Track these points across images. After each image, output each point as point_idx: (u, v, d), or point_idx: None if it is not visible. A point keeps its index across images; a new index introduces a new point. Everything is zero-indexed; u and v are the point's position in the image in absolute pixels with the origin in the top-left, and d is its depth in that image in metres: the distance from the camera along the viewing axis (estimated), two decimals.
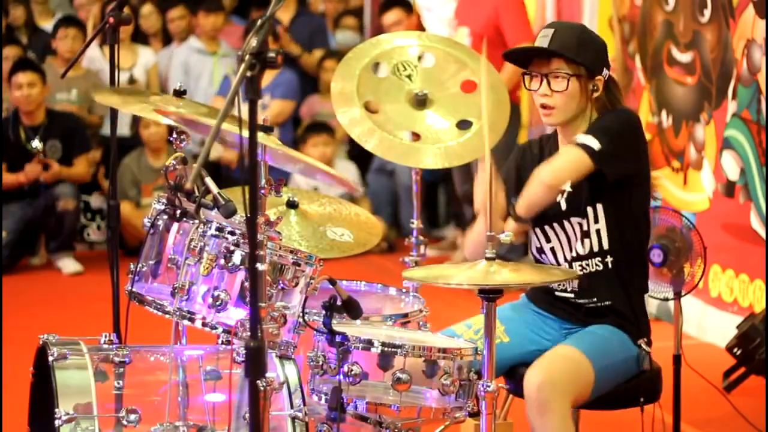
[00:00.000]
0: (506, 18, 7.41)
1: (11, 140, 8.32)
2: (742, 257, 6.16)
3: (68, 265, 8.28)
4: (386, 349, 3.39)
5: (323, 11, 10.57)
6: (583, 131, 3.80)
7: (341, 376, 3.38)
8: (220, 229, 3.50)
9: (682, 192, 6.69)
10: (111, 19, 4.12)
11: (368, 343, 3.40)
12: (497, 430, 3.38)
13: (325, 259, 3.67)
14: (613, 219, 3.80)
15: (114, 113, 4.22)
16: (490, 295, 3.32)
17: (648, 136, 6.93)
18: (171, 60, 9.56)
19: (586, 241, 3.81)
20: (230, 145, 3.71)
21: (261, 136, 3.38)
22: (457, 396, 3.42)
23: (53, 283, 8.05)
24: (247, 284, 3.42)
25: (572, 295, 3.84)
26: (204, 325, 3.51)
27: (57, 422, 3.49)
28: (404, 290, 4.31)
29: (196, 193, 3.41)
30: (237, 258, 3.49)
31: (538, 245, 3.90)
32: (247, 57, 2.77)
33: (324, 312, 3.43)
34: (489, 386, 3.33)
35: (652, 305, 6.33)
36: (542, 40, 3.78)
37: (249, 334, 2.85)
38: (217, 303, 3.47)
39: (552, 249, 3.88)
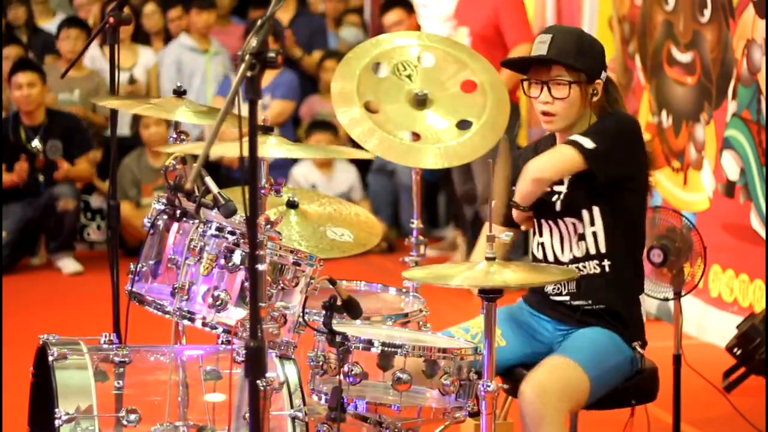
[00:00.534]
0: (506, 18, 7.42)
1: (11, 140, 8.32)
2: (742, 257, 6.16)
3: (68, 265, 8.28)
4: (386, 349, 3.39)
5: (323, 11, 10.57)
6: (581, 129, 3.81)
7: (341, 376, 3.38)
8: (220, 229, 3.50)
9: (682, 192, 6.70)
10: (111, 19, 4.12)
11: (368, 343, 3.40)
12: (497, 430, 3.39)
13: (325, 259, 3.67)
14: (609, 222, 3.80)
15: (114, 113, 4.22)
16: (491, 295, 3.32)
17: (648, 136, 6.94)
18: (163, 59, 9.55)
19: (582, 243, 3.81)
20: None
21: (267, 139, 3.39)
22: (457, 396, 3.42)
23: (53, 283, 8.05)
24: (247, 284, 3.42)
25: (568, 298, 3.85)
26: (204, 325, 3.51)
27: (57, 422, 3.49)
28: (404, 290, 4.31)
29: (196, 193, 3.41)
30: (237, 258, 3.49)
31: (540, 240, 3.90)
32: (247, 57, 2.77)
33: (324, 312, 3.43)
34: (489, 386, 3.33)
35: (652, 305, 6.34)
36: (540, 47, 3.77)
37: (249, 334, 2.85)
38: (217, 303, 3.47)
39: (542, 244, 3.88)
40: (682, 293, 4.49)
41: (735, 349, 5.49)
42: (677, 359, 4.47)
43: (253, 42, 2.78)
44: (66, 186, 8.35)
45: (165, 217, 3.60)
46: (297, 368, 3.63)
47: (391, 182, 9.18)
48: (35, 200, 8.34)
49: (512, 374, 3.87)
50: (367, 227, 4.23)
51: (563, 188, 3.82)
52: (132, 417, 3.59)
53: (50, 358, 3.59)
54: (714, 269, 6.30)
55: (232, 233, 3.49)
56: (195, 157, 3.14)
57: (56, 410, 3.50)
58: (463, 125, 4.36)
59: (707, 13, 6.38)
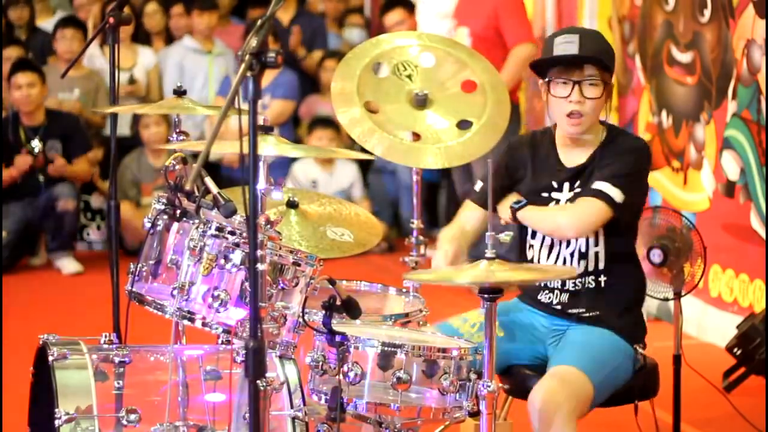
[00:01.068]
0: (506, 18, 7.41)
1: (11, 141, 8.32)
2: (742, 257, 6.16)
3: (68, 265, 8.28)
4: (386, 349, 3.39)
5: (323, 11, 10.57)
6: (594, 137, 3.79)
7: (341, 376, 3.38)
8: (220, 229, 3.50)
9: (682, 192, 6.69)
10: (111, 19, 4.12)
11: (368, 343, 3.40)
12: (497, 430, 3.38)
13: (325, 259, 3.67)
14: (612, 241, 3.80)
15: (114, 113, 4.22)
16: (491, 294, 3.32)
17: (648, 136, 6.95)
18: (166, 60, 9.55)
19: (583, 262, 3.82)
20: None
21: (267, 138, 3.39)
22: (457, 396, 3.42)
23: (53, 283, 8.05)
24: (247, 284, 3.42)
25: (560, 307, 3.86)
26: (204, 325, 3.51)
27: (57, 422, 3.49)
28: (404, 290, 4.31)
29: (196, 193, 3.41)
30: (237, 258, 3.49)
31: (531, 242, 3.90)
32: (247, 57, 2.77)
33: (324, 312, 3.43)
34: (489, 386, 3.33)
35: (652, 305, 6.34)
36: (569, 47, 3.72)
37: (249, 334, 2.85)
38: (217, 303, 3.47)
39: (532, 246, 3.89)
40: (682, 293, 4.49)
41: (735, 349, 5.49)
42: (677, 359, 4.47)
43: (253, 42, 2.78)
44: (66, 186, 8.35)
45: (165, 217, 3.60)
46: (297, 368, 3.63)
47: (392, 182, 9.18)
48: (35, 200, 8.34)
49: (511, 373, 3.87)
50: (367, 227, 4.23)
51: (561, 196, 3.81)
52: (132, 417, 3.59)
53: (50, 358, 3.59)
54: (714, 269, 6.30)
55: (232, 233, 3.49)
56: (195, 157, 3.15)
57: (56, 410, 3.50)
58: (463, 125, 4.36)
59: (707, 13, 6.38)
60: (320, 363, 3.45)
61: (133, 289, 3.61)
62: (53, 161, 8.32)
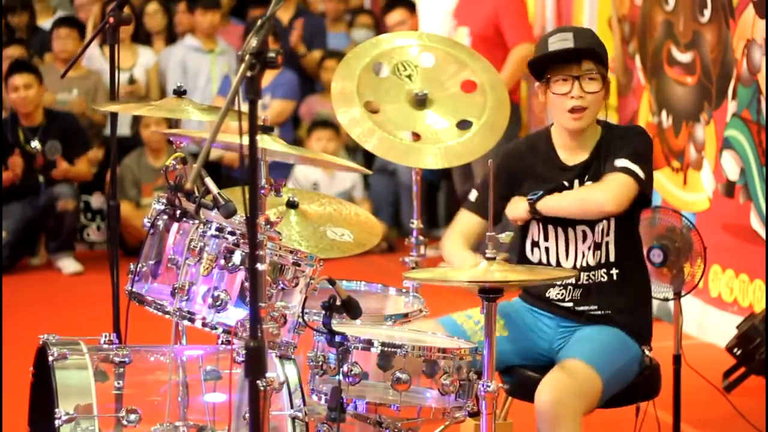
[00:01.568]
0: (506, 18, 7.42)
1: (10, 141, 8.32)
2: (742, 257, 6.16)
3: (68, 265, 8.28)
4: (386, 349, 3.39)
5: (323, 11, 10.57)
6: (592, 133, 3.81)
7: (341, 376, 3.38)
8: (220, 229, 3.50)
9: (682, 192, 6.69)
10: (111, 19, 4.12)
11: (368, 343, 3.40)
12: (497, 430, 3.39)
13: (325, 259, 3.67)
14: (622, 232, 3.81)
15: (114, 113, 4.22)
16: (491, 294, 3.32)
17: None
18: (169, 59, 9.55)
19: (597, 252, 3.82)
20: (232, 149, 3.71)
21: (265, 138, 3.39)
22: (457, 396, 3.42)
23: (53, 283, 8.05)
24: (247, 284, 3.42)
25: (571, 304, 3.85)
26: (204, 325, 3.51)
27: (57, 422, 3.49)
28: (404, 290, 4.31)
29: (196, 193, 3.41)
30: (237, 258, 3.49)
31: (535, 239, 3.89)
32: (247, 57, 2.77)
33: (324, 312, 3.43)
34: (489, 386, 3.33)
35: (652, 305, 6.33)
36: (564, 44, 3.74)
37: (249, 334, 2.85)
38: (217, 303, 3.47)
39: (547, 249, 3.88)
40: (682, 293, 4.49)
41: (735, 349, 5.49)
42: (677, 359, 4.47)
43: (254, 42, 2.78)
44: (66, 186, 8.35)
45: (165, 217, 3.60)
46: (297, 368, 3.63)
47: (392, 182, 9.18)
48: (35, 200, 8.34)
49: (512, 373, 3.87)
50: (367, 227, 4.23)
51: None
52: (132, 417, 3.59)
53: (50, 358, 3.59)
54: (714, 269, 6.30)
55: (232, 233, 3.49)
56: (195, 157, 3.14)
57: (56, 410, 3.50)
58: (463, 125, 4.36)
59: (707, 13, 6.38)
60: (320, 363, 3.45)
61: (133, 289, 3.61)
62: (55, 163, 8.32)
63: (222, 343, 3.74)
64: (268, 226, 3.29)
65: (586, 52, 3.73)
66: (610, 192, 3.75)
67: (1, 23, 9.43)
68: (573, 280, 3.83)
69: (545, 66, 3.81)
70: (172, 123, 8.25)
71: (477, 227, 3.96)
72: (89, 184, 8.89)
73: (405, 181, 8.78)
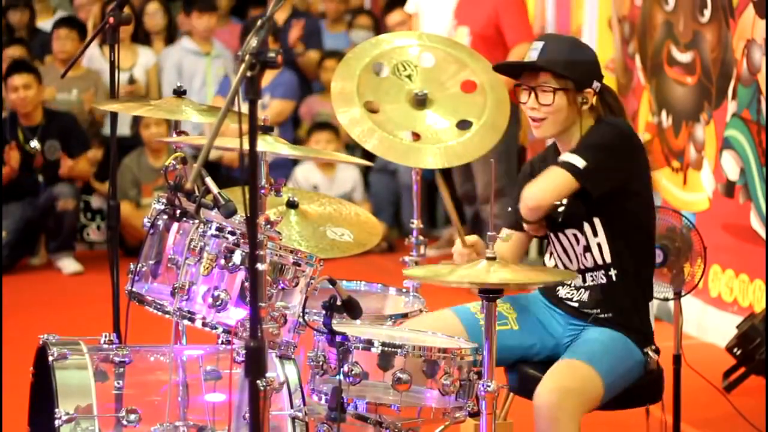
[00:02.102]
0: (506, 18, 7.41)
1: (9, 141, 8.32)
2: (742, 257, 6.16)
3: (68, 265, 8.28)
4: (386, 349, 3.39)
5: (323, 11, 10.57)
6: (576, 143, 3.81)
7: (341, 376, 3.38)
8: (220, 229, 3.50)
9: (682, 192, 6.69)
10: (111, 19, 4.12)
11: (368, 343, 3.40)
12: (497, 430, 3.38)
13: (325, 259, 3.67)
14: (613, 232, 3.79)
15: (114, 113, 4.22)
16: (490, 294, 3.32)
17: (648, 136, 6.94)
18: (165, 61, 9.55)
19: (588, 255, 3.82)
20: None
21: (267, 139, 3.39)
22: (457, 396, 3.42)
23: (53, 283, 8.05)
24: (247, 284, 3.42)
25: (577, 305, 3.86)
26: (204, 325, 3.51)
27: (57, 422, 3.49)
28: (404, 290, 4.31)
29: (196, 193, 3.41)
30: (237, 258, 3.49)
31: (552, 250, 3.93)
32: (247, 57, 2.77)
33: (324, 312, 3.43)
34: (489, 386, 3.33)
35: (652, 305, 6.32)
36: (532, 53, 3.78)
37: (249, 334, 2.85)
38: (217, 303, 3.47)
39: (552, 255, 3.91)
40: (682, 293, 4.49)
41: (735, 349, 5.49)
42: (677, 359, 4.47)
43: (253, 42, 2.78)
44: (66, 186, 8.35)
45: (165, 217, 3.60)
46: (297, 368, 3.63)
47: (393, 182, 9.18)
48: (35, 200, 8.34)
49: (516, 370, 3.86)
50: (367, 227, 4.23)
51: (564, 200, 3.82)
52: (132, 417, 3.59)
53: (50, 358, 3.59)
54: (714, 269, 6.30)
55: (232, 233, 3.50)
56: (195, 157, 3.14)
57: (56, 410, 3.50)
58: (463, 125, 4.36)
59: (707, 13, 6.38)
60: (320, 363, 3.45)
61: (133, 289, 3.61)
62: (59, 162, 8.31)
63: (222, 343, 3.74)
64: (268, 226, 3.29)
65: (539, 66, 3.74)
66: (532, 186, 3.75)
67: (1, 23, 9.42)
68: (580, 281, 3.84)
69: (512, 74, 3.89)
70: (172, 123, 8.23)
71: (518, 241, 3.97)
72: (89, 184, 8.89)
73: (405, 181, 8.78)
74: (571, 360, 3.70)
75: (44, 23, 9.88)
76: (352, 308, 3.45)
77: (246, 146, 2.82)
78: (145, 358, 3.78)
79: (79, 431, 3.51)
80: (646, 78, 7.04)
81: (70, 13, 10.03)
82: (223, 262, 3.49)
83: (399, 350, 3.38)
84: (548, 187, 3.74)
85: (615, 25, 7.37)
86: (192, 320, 3.52)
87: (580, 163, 3.70)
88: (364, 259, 6.03)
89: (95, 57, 9.27)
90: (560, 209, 3.82)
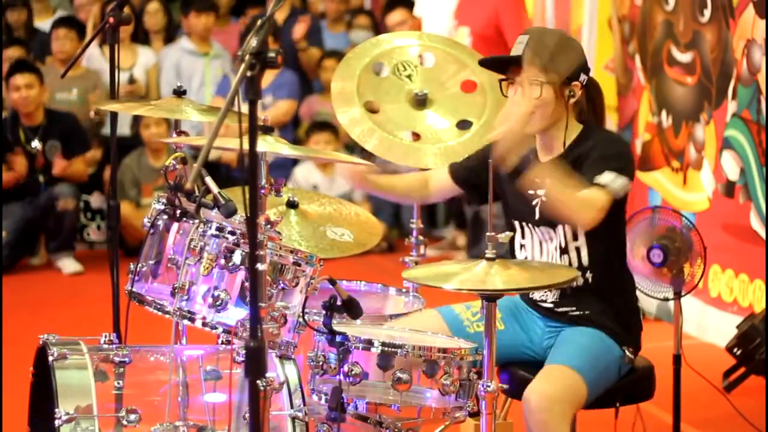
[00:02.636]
0: (506, 18, 7.42)
1: (10, 141, 8.32)
2: (742, 257, 6.16)
3: (68, 265, 8.28)
4: (386, 349, 3.39)
5: (323, 11, 10.57)
6: (561, 139, 3.78)
7: (341, 376, 3.38)
8: (220, 229, 3.50)
9: (682, 192, 6.70)
10: (111, 19, 4.12)
11: (368, 343, 3.40)
12: (497, 430, 3.39)
13: (325, 259, 3.67)
14: (592, 237, 3.78)
15: (114, 113, 4.22)
16: (490, 295, 3.32)
17: (648, 136, 6.95)
18: (163, 61, 9.55)
19: (564, 257, 3.81)
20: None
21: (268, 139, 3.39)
22: (457, 396, 3.42)
23: (53, 283, 8.05)
24: (247, 284, 3.42)
25: (552, 305, 3.86)
26: (204, 325, 3.51)
27: (57, 422, 3.49)
28: (404, 290, 4.31)
29: (196, 193, 3.41)
30: (237, 258, 3.49)
31: (521, 242, 3.90)
32: (247, 57, 2.77)
33: (324, 312, 3.43)
34: (489, 386, 3.33)
35: (652, 305, 6.33)
36: (518, 47, 3.77)
37: (249, 334, 2.85)
38: (217, 303, 3.47)
39: (523, 246, 3.89)
40: (682, 293, 4.49)
41: (735, 349, 5.49)
42: (677, 359, 4.47)
43: (253, 42, 2.78)
44: (66, 186, 8.35)
45: (165, 217, 3.60)
46: (297, 368, 3.63)
47: None
48: (35, 200, 8.34)
49: (509, 373, 3.86)
50: (367, 227, 4.23)
51: (543, 192, 3.80)
52: (132, 417, 3.59)
53: (50, 358, 3.59)
54: (714, 269, 6.30)
55: (232, 233, 3.49)
56: (195, 157, 3.14)
57: (56, 410, 3.50)
58: (463, 125, 4.36)
59: (707, 13, 6.38)
60: (320, 363, 3.45)
61: (133, 289, 3.61)
62: (53, 162, 8.32)
63: (222, 343, 3.74)
64: (268, 226, 3.29)
65: (528, 59, 3.73)
66: (586, 209, 3.66)
67: (1, 22, 9.42)
68: None
69: (496, 68, 3.90)
70: (172, 123, 8.23)
71: (442, 180, 4.04)
72: (89, 184, 8.89)
73: None
74: (555, 366, 3.70)
75: (44, 23, 9.88)
76: (352, 308, 3.45)
77: (246, 146, 2.82)
78: (145, 358, 3.78)
79: (79, 431, 3.51)
80: (646, 78, 7.04)
81: (69, 13, 10.03)
82: (223, 262, 3.49)
83: (399, 350, 3.38)
84: (595, 216, 3.66)
85: (615, 24, 7.37)
86: (192, 320, 3.52)
87: (616, 182, 3.67)
88: (364, 259, 6.03)
89: (95, 57, 9.27)
90: (539, 201, 3.80)
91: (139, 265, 3.63)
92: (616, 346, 3.79)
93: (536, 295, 3.88)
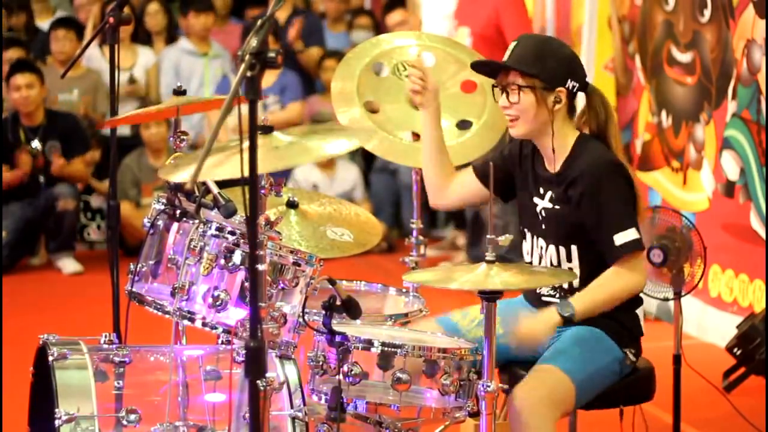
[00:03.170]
0: (506, 18, 7.42)
1: (11, 141, 8.32)
2: (742, 257, 6.16)
3: (68, 265, 8.28)
4: (386, 349, 3.39)
5: (324, 11, 10.57)
6: (550, 146, 3.78)
7: (341, 376, 3.38)
8: (220, 229, 3.50)
9: (682, 192, 6.70)
10: (111, 19, 4.12)
11: (368, 343, 3.40)
12: (497, 430, 3.39)
13: (325, 259, 3.67)
14: (586, 260, 3.77)
15: (114, 113, 4.22)
16: (490, 295, 3.32)
17: (648, 136, 6.95)
18: (163, 62, 9.55)
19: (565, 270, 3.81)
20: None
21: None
22: (457, 396, 3.42)
23: (53, 283, 8.05)
24: (247, 284, 3.42)
25: (558, 302, 3.85)
26: (204, 325, 3.51)
27: (57, 422, 3.49)
28: (404, 290, 4.31)
29: (196, 193, 3.41)
30: (237, 258, 3.49)
31: (527, 248, 3.91)
32: (247, 57, 2.77)
33: (324, 312, 3.43)
34: (489, 386, 3.33)
35: (652, 305, 6.34)
36: (507, 54, 3.79)
37: (249, 334, 2.86)
38: (217, 303, 3.47)
39: (528, 252, 3.90)
40: (682, 293, 4.49)
41: (735, 349, 5.49)
42: (677, 359, 4.47)
43: (254, 42, 2.78)
44: (66, 186, 8.35)
45: (165, 217, 3.60)
46: (297, 368, 3.63)
47: (393, 182, 9.18)
48: (35, 200, 8.34)
49: (510, 373, 3.86)
50: (367, 227, 4.23)
51: (542, 203, 3.80)
52: (132, 417, 3.59)
53: (50, 358, 3.59)
54: (714, 269, 6.30)
55: (232, 233, 3.50)
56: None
57: (56, 410, 3.50)
58: (463, 125, 4.36)
59: (707, 13, 6.38)
60: (320, 363, 3.45)
61: (133, 289, 3.61)
62: (52, 161, 8.32)
63: (222, 343, 3.74)
64: (268, 226, 3.29)
65: (510, 65, 3.74)
66: (636, 275, 3.72)
67: (1, 22, 9.42)
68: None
69: (486, 73, 3.92)
70: (172, 123, 8.23)
71: (466, 182, 4.01)
72: (88, 184, 8.90)
73: (405, 181, 8.78)
74: (542, 365, 3.69)
75: (44, 23, 9.88)
76: (351, 308, 3.45)
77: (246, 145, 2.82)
78: (145, 358, 3.78)
79: (79, 431, 3.51)
80: (646, 78, 7.04)
81: (69, 14, 10.03)
82: (223, 262, 3.49)
83: (399, 350, 3.38)
84: (640, 274, 3.75)
85: (615, 24, 7.37)
86: (192, 320, 3.52)
87: (633, 234, 3.69)
88: (364, 259, 6.03)
89: (95, 57, 9.27)
90: (539, 208, 3.81)
91: (139, 265, 3.63)
92: (616, 348, 3.78)
93: (544, 290, 3.87)
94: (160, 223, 3.61)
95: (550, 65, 3.76)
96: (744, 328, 5.53)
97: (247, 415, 2.97)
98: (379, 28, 9.84)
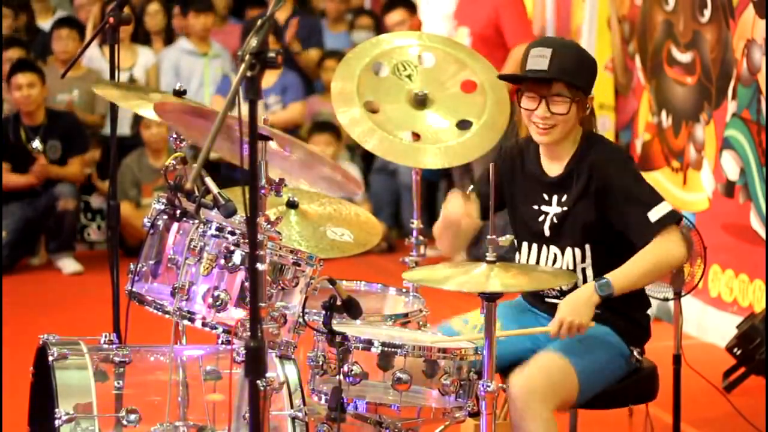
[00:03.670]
0: (506, 18, 7.42)
1: (12, 141, 8.32)
2: (742, 257, 6.16)
3: (68, 265, 8.28)
4: (386, 349, 3.39)
5: (324, 11, 10.57)
6: (569, 150, 3.77)
7: (341, 376, 3.38)
8: (220, 229, 3.50)
9: (682, 192, 6.70)
10: (111, 19, 4.12)
11: (368, 343, 3.40)
12: (497, 430, 3.39)
13: (325, 259, 3.67)
14: (601, 258, 3.76)
15: (114, 113, 4.22)
16: (490, 295, 3.32)
17: (648, 136, 6.95)
18: (162, 62, 9.55)
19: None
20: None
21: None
22: (457, 396, 3.42)
23: (53, 283, 8.05)
24: (247, 284, 3.42)
25: (557, 301, 3.84)
26: (204, 325, 3.51)
27: (57, 422, 3.49)
28: (404, 290, 4.31)
29: (196, 193, 3.41)
30: (237, 258, 3.49)
31: (519, 260, 3.89)
32: (247, 57, 2.77)
33: (324, 312, 3.43)
34: (489, 386, 3.33)
35: (652, 305, 6.33)
36: (540, 62, 3.69)
37: (249, 334, 2.86)
38: (217, 303, 3.47)
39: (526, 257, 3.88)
40: (682, 293, 4.49)
41: (735, 349, 5.49)
42: (677, 359, 4.47)
43: (253, 42, 2.78)
44: (66, 186, 8.36)
45: (165, 217, 3.60)
46: (297, 368, 3.63)
47: (393, 182, 9.18)
48: (35, 200, 8.34)
49: (510, 373, 3.86)
50: (367, 227, 4.23)
51: (550, 210, 3.80)
52: (132, 417, 3.59)
53: (50, 358, 3.59)
54: (714, 269, 6.30)
55: (232, 233, 3.50)
56: (195, 157, 3.14)
57: (56, 410, 3.50)
58: (463, 125, 4.36)
59: (707, 13, 6.39)
60: (320, 363, 3.45)
61: (133, 289, 3.61)
62: (58, 161, 8.33)
63: (222, 343, 3.74)
64: (268, 226, 3.29)
65: (557, 77, 3.70)
66: (676, 245, 3.68)
67: (1, 22, 9.43)
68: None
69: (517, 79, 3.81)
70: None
71: (475, 209, 3.94)
72: (89, 184, 8.89)
73: (405, 181, 8.78)
74: (545, 353, 3.67)
75: (44, 23, 9.88)
76: (351, 308, 3.45)
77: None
78: (145, 358, 3.78)
79: (79, 431, 3.51)
80: (646, 78, 7.04)
81: (69, 14, 10.03)
82: (223, 262, 3.49)
83: (399, 350, 3.38)
84: (682, 241, 3.72)
85: (614, 24, 7.37)
86: (192, 320, 3.52)
87: (663, 208, 3.68)
88: (364, 259, 6.03)
89: (95, 57, 9.27)
90: (546, 218, 3.80)
91: (139, 265, 3.63)
92: (623, 344, 3.78)
93: (550, 299, 3.85)
94: (160, 223, 3.61)
95: (587, 75, 3.77)
96: (744, 328, 5.53)
97: (247, 415, 2.97)
98: (380, 28, 9.84)
